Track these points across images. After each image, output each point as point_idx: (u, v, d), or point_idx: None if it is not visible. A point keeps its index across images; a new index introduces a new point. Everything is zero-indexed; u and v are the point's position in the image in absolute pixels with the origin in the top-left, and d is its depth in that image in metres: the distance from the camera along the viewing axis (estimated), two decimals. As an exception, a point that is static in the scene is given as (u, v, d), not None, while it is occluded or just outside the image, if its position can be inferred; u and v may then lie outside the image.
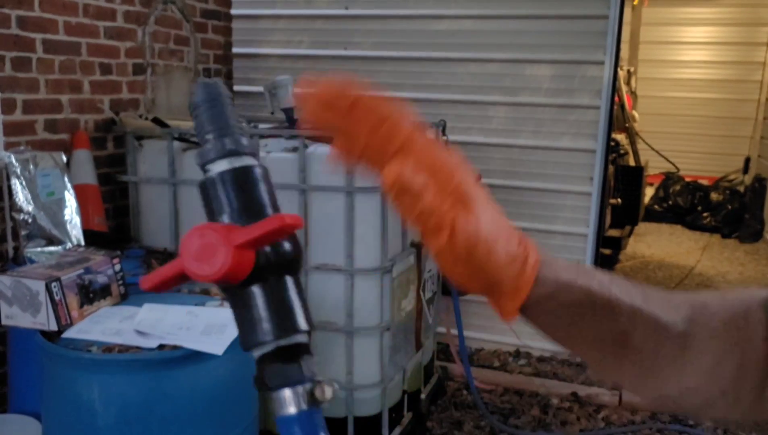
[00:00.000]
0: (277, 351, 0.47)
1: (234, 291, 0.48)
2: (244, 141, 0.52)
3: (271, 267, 0.47)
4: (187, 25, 3.58)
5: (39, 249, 2.42)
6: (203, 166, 0.52)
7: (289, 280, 0.48)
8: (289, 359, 0.46)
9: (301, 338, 0.48)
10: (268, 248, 0.47)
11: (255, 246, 0.46)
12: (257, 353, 0.47)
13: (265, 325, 0.47)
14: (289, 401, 0.46)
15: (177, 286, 0.49)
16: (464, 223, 0.51)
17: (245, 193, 0.50)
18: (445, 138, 3.20)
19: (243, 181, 0.50)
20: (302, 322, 0.48)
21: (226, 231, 0.46)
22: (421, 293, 3.07)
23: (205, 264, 0.45)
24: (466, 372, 3.25)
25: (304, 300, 0.49)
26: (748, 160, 7.35)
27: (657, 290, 0.59)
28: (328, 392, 0.47)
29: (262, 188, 0.51)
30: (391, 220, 2.72)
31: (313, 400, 0.47)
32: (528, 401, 3.35)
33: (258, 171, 0.51)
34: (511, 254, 0.52)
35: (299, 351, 0.47)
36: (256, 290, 0.47)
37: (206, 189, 0.51)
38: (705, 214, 6.97)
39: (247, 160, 0.51)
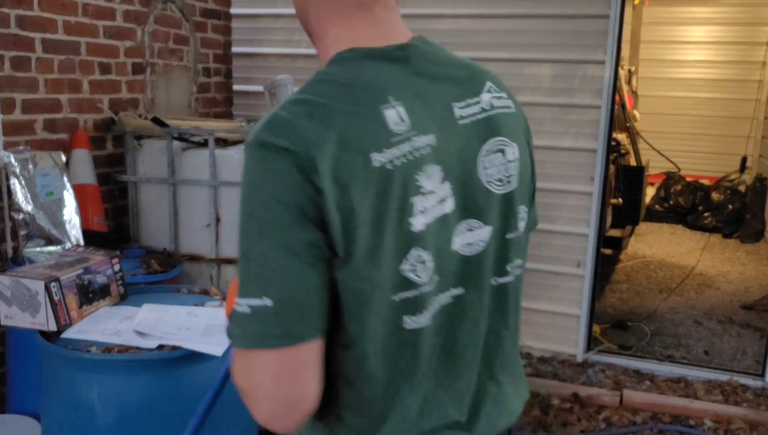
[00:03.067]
0: None
1: None
2: None
3: None
4: (187, 25, 3.58)
5: (38, 249, 2.42)
6: None
7: None
8: None
9: None
10: None
11: None
12: None
13: None
14: None
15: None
16: None
17: None
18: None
19: None
20: None
21: None
22: (422, 293, 3.06)
23: None
24: (467, 372, 3.24)
25: None
26: (744, 160, 7.31)
27: None
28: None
29: None
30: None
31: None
32: (528, 402, 3.35)
33: None
34: None
35: None
36: None
37: None
38: (706, 214, 6.95)
39: None
